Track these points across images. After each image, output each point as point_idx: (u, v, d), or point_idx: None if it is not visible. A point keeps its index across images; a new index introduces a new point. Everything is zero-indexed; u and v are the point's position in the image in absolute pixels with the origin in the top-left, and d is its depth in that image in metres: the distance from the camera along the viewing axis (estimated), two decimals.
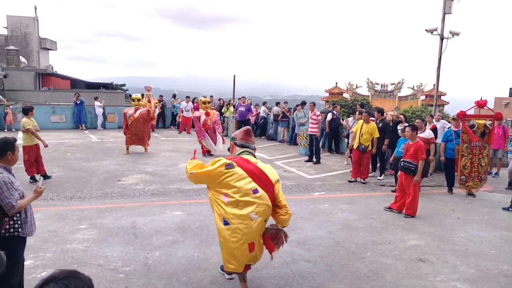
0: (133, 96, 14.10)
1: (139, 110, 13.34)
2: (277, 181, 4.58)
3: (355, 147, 10.54)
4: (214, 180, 4.41)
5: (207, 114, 13.64)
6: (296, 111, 15.96)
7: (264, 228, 4.55)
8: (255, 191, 4.34)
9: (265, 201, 4.36)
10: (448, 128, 11.17)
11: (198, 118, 13.62)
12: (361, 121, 10.68)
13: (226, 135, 19.43)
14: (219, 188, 4.41)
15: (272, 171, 4.63)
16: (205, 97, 14.92)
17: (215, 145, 13.63)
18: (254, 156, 4.79)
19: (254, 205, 4.30)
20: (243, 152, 4.77)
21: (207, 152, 13.68)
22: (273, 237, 4.66)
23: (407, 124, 9.22)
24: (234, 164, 4.42)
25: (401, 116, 12.19)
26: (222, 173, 4.35)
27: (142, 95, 13.81)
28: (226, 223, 4.35)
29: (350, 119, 13.29)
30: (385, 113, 11.80)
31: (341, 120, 14.93)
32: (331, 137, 15.08)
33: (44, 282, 1.71)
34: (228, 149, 5.21)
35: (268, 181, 4.47)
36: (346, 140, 13.90)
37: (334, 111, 14.94)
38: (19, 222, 3.89)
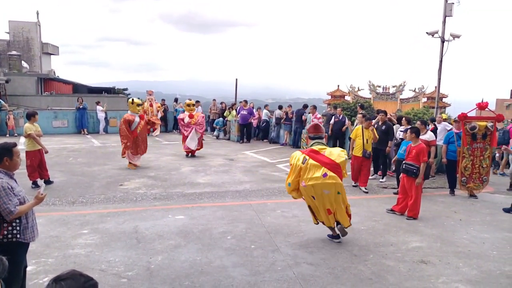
0: (136, 100, 12.58)
1: (144, 117, 12.57)
2: (343, 161, 6.10)
3: (358, 154, 10.07)
4: (298, 172, 6.08)
5: (191, 116, 14.04)
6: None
7: (339, 197, 6.17)
8: (325, 175, 5.92)
9: (334, 180, 5.94)
10: (450, 130, 11.17)
11: (182, 119, 14.10)
12: (360, 126, 10.30)
13: (229, 139, 19.49)
14: (300, 177, 6.08)
15: (338, 154, 6.12)
16: (190, 100, 15.02)
17: (197, 143, 13.96)
18: (324, 144, 6.35)
19: (325, 186, 5.95)
20: (314, 143, 6.31)
21: (190, 153, 14.13)
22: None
23: (409, 126, 9.23)
24: (307, 157, 6.04)
25: (394, 120, 12.20)
26: (300, 166, 6.04)
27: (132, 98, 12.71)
28: (313, 197, 6.12)
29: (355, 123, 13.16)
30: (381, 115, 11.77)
31: (346, 122, 14.83)
32: (335, 140, 15.06)
33: (50, 281, 1.81)
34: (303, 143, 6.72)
35: (334, 164, 6.01)
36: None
37: (336, 114, 14.95)
38: (18, 228, 3.88)
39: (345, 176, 6.27)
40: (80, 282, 1.79)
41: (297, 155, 6.20)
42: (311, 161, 6.00)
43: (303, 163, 6.03)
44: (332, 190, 6.02)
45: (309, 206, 6.48)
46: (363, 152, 10.01)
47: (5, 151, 3.95)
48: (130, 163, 12.04)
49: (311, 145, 6.32)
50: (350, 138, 13.08)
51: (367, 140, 10.04)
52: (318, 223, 6.58)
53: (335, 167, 6.01)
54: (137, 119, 12.06)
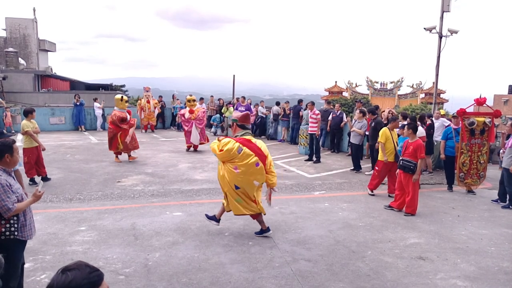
0: (125, 97, 12.59)
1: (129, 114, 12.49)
2: (268, 154, 6.32)
3: (390, 159, 8.99)
4: (230, 157, 6.07)
5: (191, 111, 14.15)
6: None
7: (261, 189, 6.44)
8: (257, 164, 6.08)
9: (263, 171, 6.16)
10: (448, 126, 11.18)
11: (183, 115, 14.27)
12: (386, 129, 9.21)
13: (226, 135, 19.44)
14: (233, 162, 6.09)
15: (264, 147, 6.33)
16: (191, 96, 15.02)
17: (199, 138, 14.09)
18: (251, 135, 6.45)
19: (256, 174, 6.10)
20: (244, 133, 6.33)
21: (189, 148, 14.44)
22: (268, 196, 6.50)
23: (405, 123, 9.23)
24: (243, 147, 6.06)
25: (395, 113, 12.25)
26: (235, 154, 6.03)
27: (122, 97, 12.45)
28: (237, 187, 6.14)
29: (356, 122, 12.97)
30: (381, 110, 11.81)
31: (344, 118, 14.82)
32: (332, 136, 15.06)
33: (58, 271, 1.81)
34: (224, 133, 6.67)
35: (263, 155, 6.21)
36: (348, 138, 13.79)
37: (334, 110, 14.96)
38: (16, 225, 3.87)
39: (272, 181, 6.34)
40: (85, 272, 1.80)
41: (232, 142, 6.12)
42: (246, 150, 6.08)
43: (238, 152, 6.06)
44: (261, 182, 6.27)
45: (225, 194, 6.40)
46: (396, 157, 8.95)
47: (7, 148, 3.94)
48: (116, 157, 12.33)
49: (242, 135, 6.30)
50: (349, 134, 13.08)
51: (397, 142, 9.19)
52: (230, 210, 6.45)
53: (263, 159, 6.25)
54: (127, 116, 12.29)
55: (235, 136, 6.35)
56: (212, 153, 13.71)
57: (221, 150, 6.12)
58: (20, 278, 4.13)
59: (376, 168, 9.29)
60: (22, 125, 9.17)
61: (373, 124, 11.02)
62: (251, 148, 6.12)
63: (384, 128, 9.29)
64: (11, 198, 3.78)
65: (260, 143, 6.33)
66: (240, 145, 6.07)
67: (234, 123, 6.51)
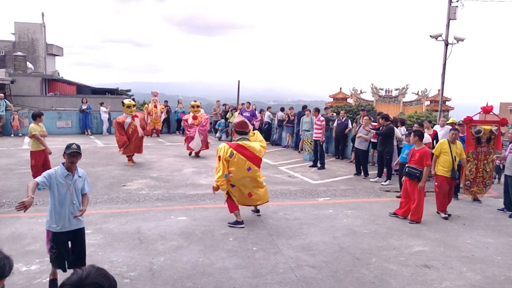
0: (128, 102, 12.78)
1: (136, 118, 12.62)
2: (263, 155, 7.36)
3: (446, 174, 8.39)
4: (227, 164, 6.93)
5: (194, 117, 14.07)
6: (305, 116, 15.48)
7: (259, 183, 7.42)
8: (249, 168, 7.04)
9: (254, 172, 7.20)
10: None
11: (187, 120, 14.28)
12: (445, 141, 8.62)
13: (231, 141, 19.46)
14: (227, 168, 6.93)
15: (259, 149, 7.22)
16: (195, 101, 14.87)
17: (201, 145, 13.96)
18: (248, 139, 7.31)
19: (247, 176, 7.13)
20: (240, 138, 7.21)
21: (191, 153, 14.43)
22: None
23: (411, 129, 9.20)
24: (235, 152, 6.91)
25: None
26: (228, 159, 6.90)
27: (133, 99, 12.67)
28: (233, 186, 7.14)
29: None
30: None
31: (349, 125, 14.79)
32: (337, 142, 15.05)
33: (83, 278, 1.71)
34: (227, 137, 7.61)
35: (258, 158, 7.20)
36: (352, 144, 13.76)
37: (340, 117, 14.97)
38: None
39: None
40: (111, 280, 1.78)
41: (225, 148, 6.98)
42: (238, 156, 6.94)
43: (230, 156, 6.90)
44: (251, 177, 7.21)
45: (227, 192, 7.24)
46: (453, 173, 8.42)
47: None
48: (129, 160, 12.45)
49: (238, 140, 7.21)
50: (353, 140, 13.03)
51: (455, 157, 8.46)
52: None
53: (257, 161, 7.21)
54: (128, 120, 12.35)
55: (233, 141, 7.37)
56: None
57: (219, 157, 7.01)
58: None
59: (436, 183, 8.64)
60: (29, 128, 9.22)
61: (383, 129, 10.90)
62: (244, 154, 6.98)
63: (443, 140, 8.72)
64: None
65: (254, 146, 7.16)
66: (233, 150, 6.93)
67: (233, 129, 7.64)
